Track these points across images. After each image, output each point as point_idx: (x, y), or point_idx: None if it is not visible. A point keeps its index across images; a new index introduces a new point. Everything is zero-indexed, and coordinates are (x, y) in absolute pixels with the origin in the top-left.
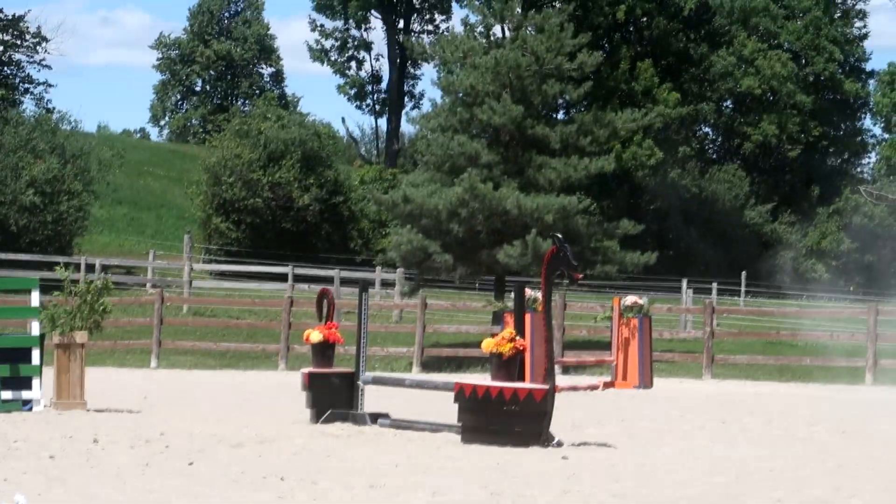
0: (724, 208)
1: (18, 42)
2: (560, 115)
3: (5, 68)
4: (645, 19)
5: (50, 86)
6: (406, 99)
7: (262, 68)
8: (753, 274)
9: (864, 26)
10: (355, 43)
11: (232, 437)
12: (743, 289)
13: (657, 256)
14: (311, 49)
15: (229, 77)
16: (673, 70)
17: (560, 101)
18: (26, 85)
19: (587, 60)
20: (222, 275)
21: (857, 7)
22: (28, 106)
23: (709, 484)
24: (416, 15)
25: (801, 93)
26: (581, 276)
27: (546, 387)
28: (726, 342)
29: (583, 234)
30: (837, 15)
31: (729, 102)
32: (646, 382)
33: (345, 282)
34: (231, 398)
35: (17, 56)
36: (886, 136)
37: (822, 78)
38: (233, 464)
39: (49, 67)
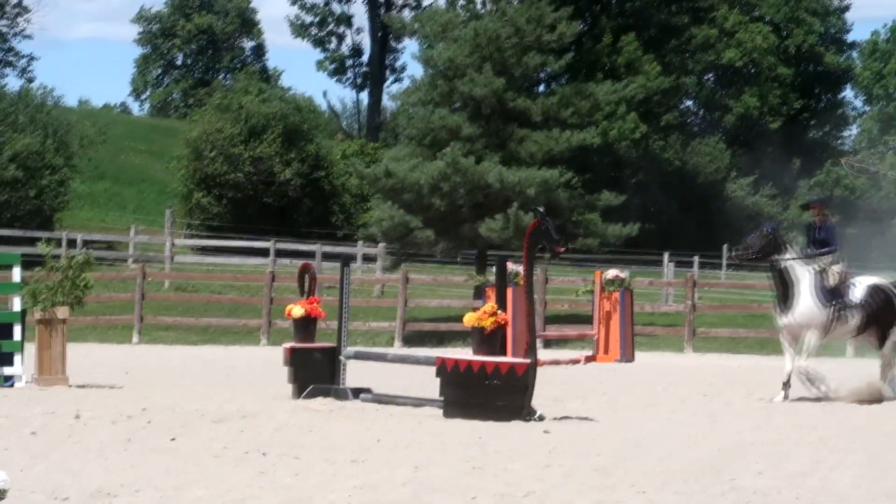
0: (706, 181)
1: None
2: (541, 88)
3: None
4: None
5: (33, 59)
6: (387, 73)
7: (244, 42)
8: (735, 247)
9: None
10: (336, 17)
11: (214, 413)
12: (724, 262)
13: (639, 229)
14: (291, 23)
15: (210, 51)
16: (655, 42)
17: (541, 73)
18: (10, 57)
19: (567, 31)
20: (204, 250)
21: None
22: (10, 79)
23: (691, 458)
24: None
25: (782, 65)
26: (563, 249)
27: (528, 361)
28: (708, 315)
29: (564, 207)
30: None
31: (710, 75)
32: (627, 356)
33: (326, 256)
34: (213, 373)
35: None
36: (868, 108)
37: (803, 50)
38: (215, 439)
39: (30, 38)
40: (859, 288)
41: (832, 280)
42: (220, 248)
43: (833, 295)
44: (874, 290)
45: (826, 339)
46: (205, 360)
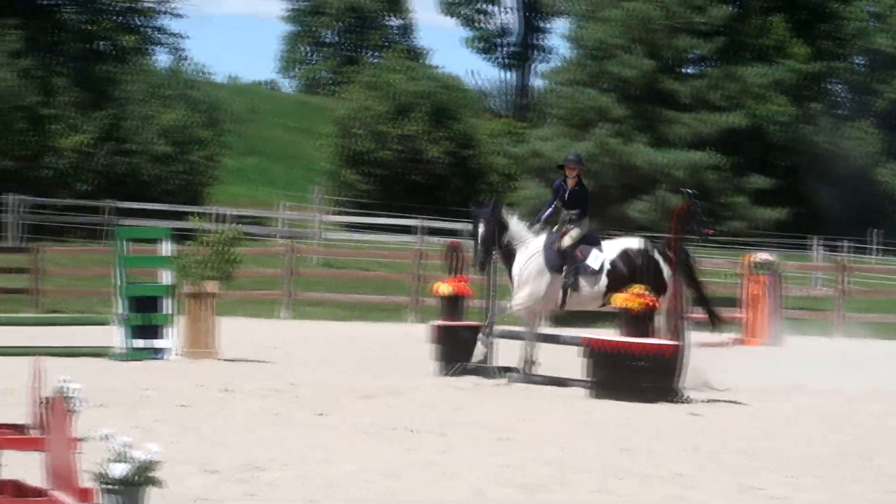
0: (856, 165)
1: None
2: (690, 70)
3: (136, 17)
4: None
5: (184, 38)
6: (535, 52)
7: (392, 20)
8: (885, 232)
9: None
10: None
11: (362, 389)
12: (875, 247)
13: (787, 213)
14: (440, 1)
15: (359, 29)
16: (805, 26)
17: (690, 55)
18: (160, 35)
19: (717, 14)
20: (351, 227)
21: None
22: (160, 56)
23: (838, 443)
24: None
25: None
26: (711, 232)
27: (676, 343)
28: (857, 300)
29: (713, 189)
30: None
31: (861, 59)
32: (775, 340)
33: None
34: (360, 350)
35: (148, 3)
36: None
37: None
38: (363, 415)
39: (180, 17)
40: (607, 252)
41: (566, 243)
42: (367, 225)
43: (564, 259)
44: (624, 255)
45: (556, 306)
46: (352, 337)
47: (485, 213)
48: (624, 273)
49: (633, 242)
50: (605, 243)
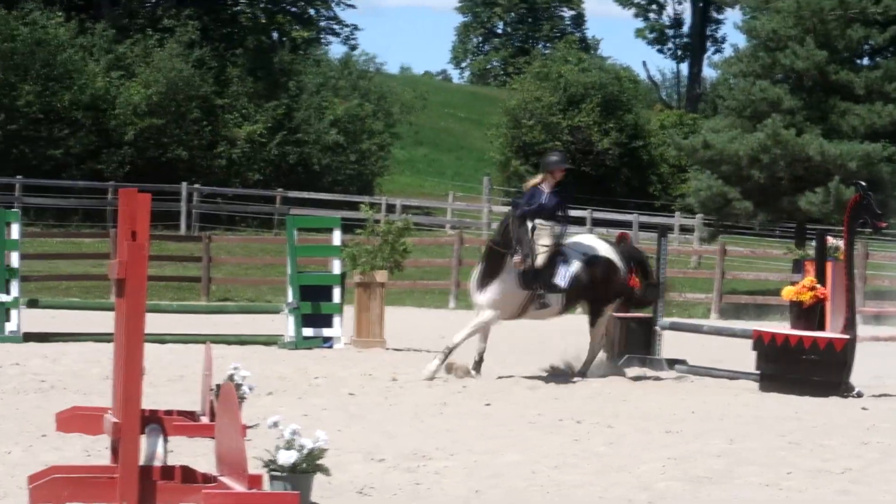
0: None
1: None
2: (865, 61)
3: (311, 8)
4: None
5: (357, 29)
6: (708, 43)
7: (564, 11)
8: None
9: None
10: None
11: (528, 379)
12: None
13: None
14: None
15: (530, 20)
16: None
17: (865, 46)
18: (333, 25)
19: (893, 4)
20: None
21: None
22: (334, 47)
23: None
24: None
25: None
26: (884, 224)
27: (847, 336)
28: None
29: (887, 181)
30: None
31: None
32: None
33: (643, 227)
34: (526, 340)
35: None
36: None
37: None
38: (529, 405)
39: (353, 7)
40: (573, 266)
41: (539, 262)
42: None
43: (536, 277)
44: (585, 266)
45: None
46: (518, 326)
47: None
48: (584, 283)
49: (596, 248)
50: (569, 251)
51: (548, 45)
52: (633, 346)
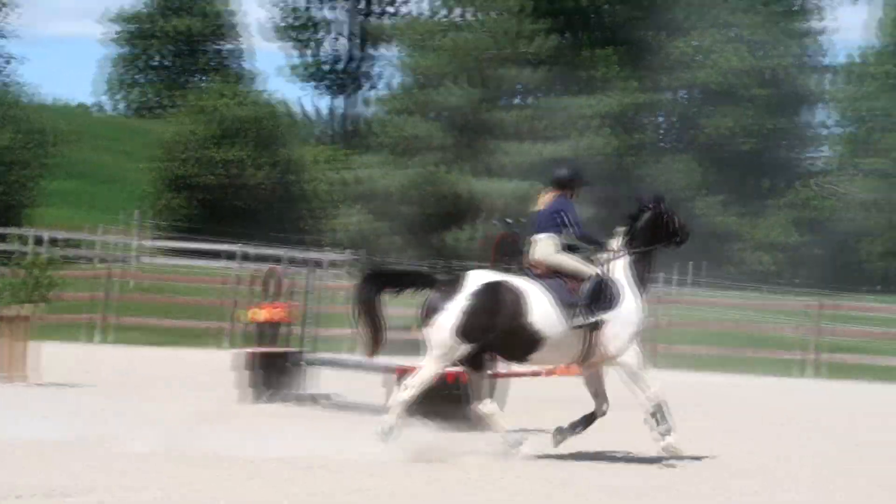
0: (676, 198)
1: None
2: (517, 100)
3: None
4: (606, 6)
5: (12, 58)
6: (364, 80)
7: (222, 45)
8: (702, 265)
9: (822, 20)
10: (315, 22)
11: (174, 416)
12: (690, 279)
13: None
14: (270, 27)
15: (188, 53)
16: (632, 58)
17: (518, 85)
18: None
19: (545, 45)
20: (172, 251)
21: (814, 1)
22: None
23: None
24: None
25: (756, 86)
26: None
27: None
28: (673, 332)
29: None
30: (795, 9)
31: (685, 93)
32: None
33: (294, 261)
34: (176, 375)
35: None
36: (840, 130)
37: (778, 71)
38: (172, 444)
39: (5, 37)
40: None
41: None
42: (187, 250)
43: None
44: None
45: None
46: (168, 362)
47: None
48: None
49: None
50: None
51: (205, 77)
52: (279, 381)
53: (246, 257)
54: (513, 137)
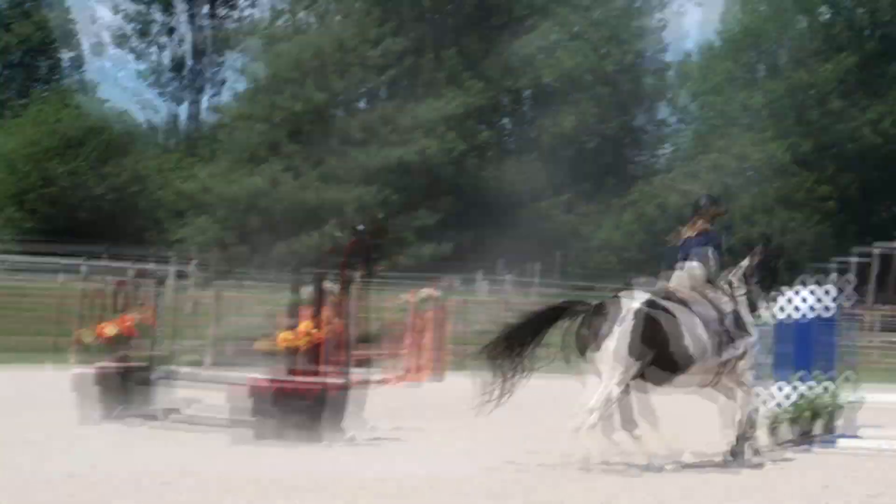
0: (521, 199)
1: None
2: (362, 104)
3: None
4: (450, 6)
5: None
6: (208, 86)
7: (63, 53)
8: (549, 265)
9: (663, 18)
10: (157, 28)
11: (18, 437)
12: (537, 280)
13: (454, 247)
14: (112, 34)
15: (28, 62)
16: (475, 59)
17: (363, 88)
18: None
19: (392, 48)
20: (13, 266)
21: None
22: None
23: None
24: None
25: (599, 84)
26: (380, 267)
27: (341, 381)
28: None
29: (382, 225)
30: (637, 6)
31: (529, 92)
32: (438, 375)
33: (140, 273)
34: (19, 394)
35: None
36: (682, 127)
37: (620, 69)
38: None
39: None
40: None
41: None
42: (30, 264)
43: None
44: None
45: None
46: (9, 380)
47: None
48: None
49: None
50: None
51: (46, 87)
52: (127, 397)
53: (92, 270)
54: (360, 142)
